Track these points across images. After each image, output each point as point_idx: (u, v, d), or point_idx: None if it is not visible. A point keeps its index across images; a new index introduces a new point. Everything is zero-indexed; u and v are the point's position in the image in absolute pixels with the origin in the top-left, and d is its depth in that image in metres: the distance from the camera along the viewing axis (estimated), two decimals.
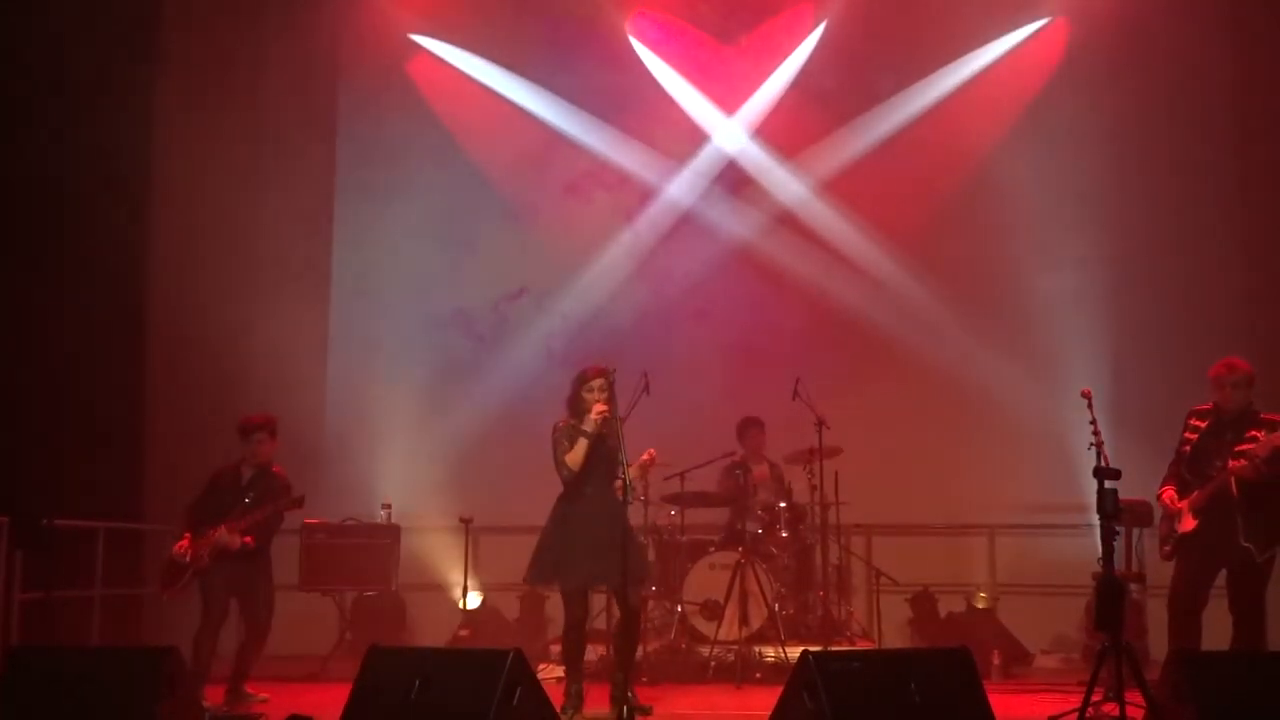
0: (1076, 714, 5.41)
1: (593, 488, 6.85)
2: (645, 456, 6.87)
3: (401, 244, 11.53)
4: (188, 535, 7.66)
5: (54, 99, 9.59)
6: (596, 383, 6.82)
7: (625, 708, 5.95)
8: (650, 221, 11.34)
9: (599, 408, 6.71)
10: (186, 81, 10.90)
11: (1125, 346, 10.30)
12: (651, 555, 8.77)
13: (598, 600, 7.80)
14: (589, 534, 6.72)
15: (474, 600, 9.97)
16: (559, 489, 6.94)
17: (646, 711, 6.83)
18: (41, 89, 9.55)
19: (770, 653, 8.47)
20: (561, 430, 6.86)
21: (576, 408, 6.87)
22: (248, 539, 7.50)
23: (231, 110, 11.03)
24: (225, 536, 7.47)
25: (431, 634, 9.94)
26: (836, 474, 9.21)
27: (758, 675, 8.28)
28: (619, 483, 6.61)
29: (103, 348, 9.90)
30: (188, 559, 7.57)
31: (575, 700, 6.77)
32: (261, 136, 11.33)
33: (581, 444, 6.76)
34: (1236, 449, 6.55)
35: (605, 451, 6.81)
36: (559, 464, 6.83)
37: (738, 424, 9.67)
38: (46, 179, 9.57)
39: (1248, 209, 10.42)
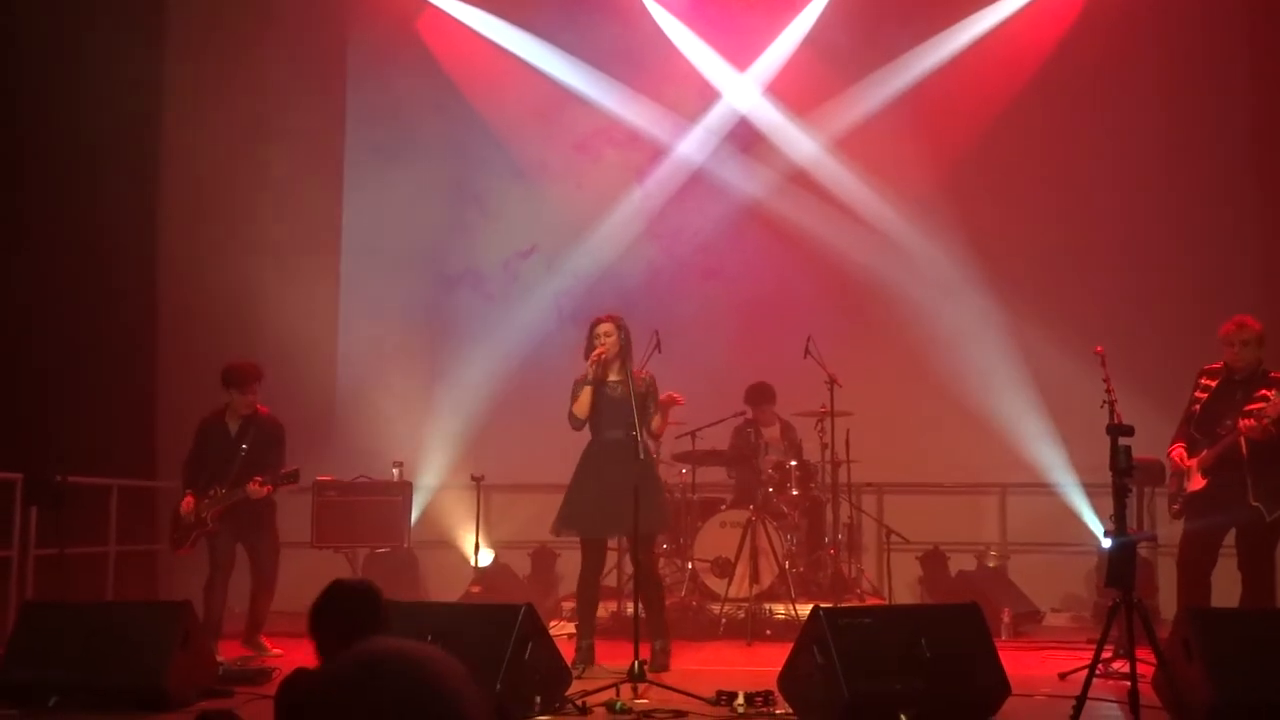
0: (1087, 671, 5.41)
1: (606, 437, 6.92)
2: (664, 397, 6.99)
3: (411, 202, 11.49)
4: (191, 495, 7.70)
5: (62, 62, 9.56)
6: (601, 329, 7.00)
7: (637, 662, 5.96)
8: (661, 179, 11.28)
9: (594, 354, 6.90)
10: (194, 43, 10.88)
11: (1139, 304, 10.25)
12: None
13: (610, 557, 7.83)
14: (600, 484, 6.80)
15: (486, 558, 10.00)
16: (570, 446, 7.06)
17: (661, 668, 6.84)
18: (50, 53, 9.52)
19: (781, 610, 8.52)
20: (576, 382, 7.05)
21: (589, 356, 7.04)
22: (267, 488, 7.55)
23: (240, 70, 11.00)
24: (254, 490, 7.51)
25: (444, 591, 9.98)
26: (848, 432, 9.23)
27: (768, 632, 8.33)
28: (632, 435, 6.63)
29: (115, 307, 9.94)
30: (193, 520, 7.63)
31: (586, 655, 6.82)
32: (270, 96, 11.29)
33: (585, 392, 6.93)
34: (1246, 408, 6.52)
35: (614, 401, 6.84)
36: (569, 414, 7.02)
37: (748, 389, 9.61)
38: (56, 143, 9.56)
39: (1265, 165, 10.32)
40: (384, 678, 3.27)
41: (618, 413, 6.84)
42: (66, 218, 9.51)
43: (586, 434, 7.15)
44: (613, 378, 7.00)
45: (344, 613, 3.69)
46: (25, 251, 9.23)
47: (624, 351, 7.04)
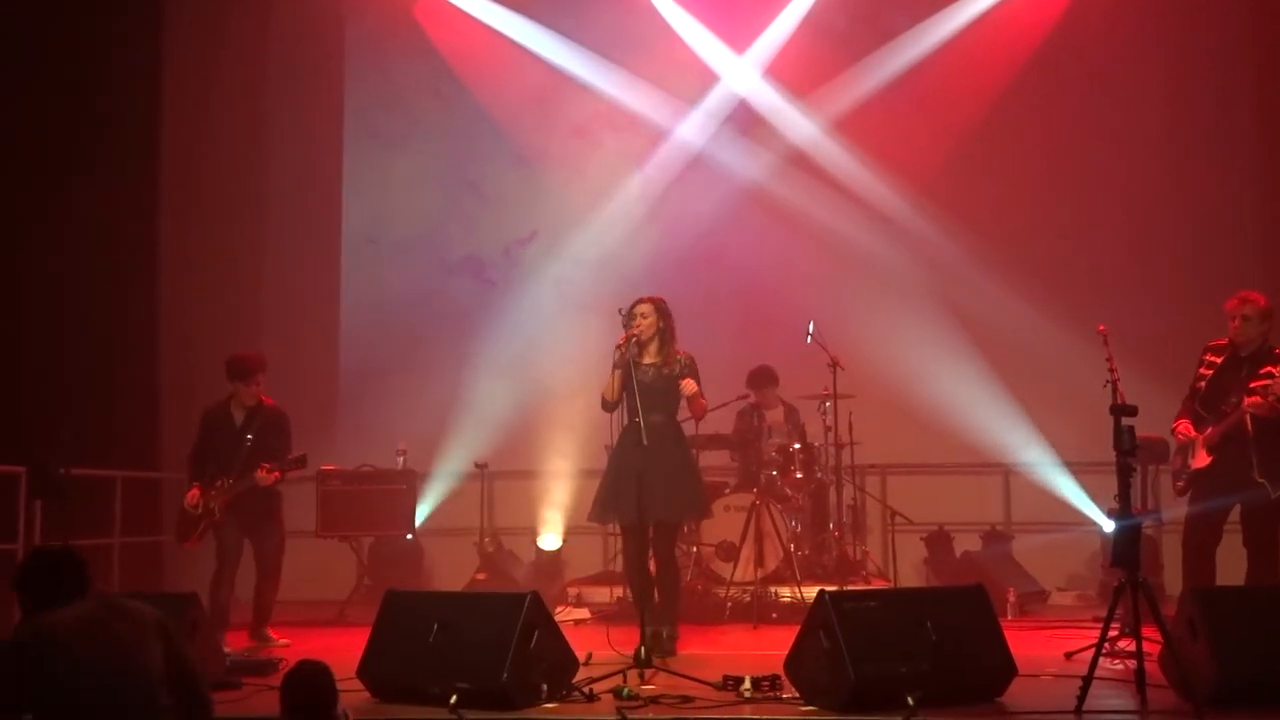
0: (1093, 650, 5.42)
1: (628, 423, 6.82)
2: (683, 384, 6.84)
3: (411, 189, 11.49)
4: (197, 487, 7.70)
5: (60, 50, 9.53)
6: (639, 309, 6.88)
7: (642, 648, 5.96)
8: (661, 164, 11.26)
9: (622, 337, 6.72)
10: (192, 29, 10.82)
11: (1141, 285, 10.23)
12: None
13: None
14: (623, 470, 6.72)
15: (491, 545, 9.99)
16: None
17: (668, 655, 6.77)
18: (49, 40, 9.50)
19: (786, 593, 8.51)
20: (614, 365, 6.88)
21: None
22: (275, 474, 7.55)
23: (238, 58, 10.96)
24: (263, 478, 7.51)
25: (449, 579, 9.99)
26: (851, 415, 9.21)
27: (774, 616, 8.33)
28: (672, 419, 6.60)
29: (117, 298, 9.91)
30: (200, 512, 7.64)
31: (649, 641, 6.27)
32: (269, 83, 11.28)
33: (615, 375, 6.76)
34: (1251, 385, 6.50)
35: (648, 384, 6.76)
36: (601, 398, 6.89)
37: (750, 373, 9.57)
38: (56, 134, 9.54)
39: (1268, 144, 10.30)
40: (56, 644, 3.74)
41: (652, 396, 6.75)
42: (66, 208, 9.49)
43: (589, 420, 7.11)
44: (648, 360, 6.89)
45: (40, 579, 4.02)
46: (26, 243, 9.22)
47: (663, 334, 6.93)
